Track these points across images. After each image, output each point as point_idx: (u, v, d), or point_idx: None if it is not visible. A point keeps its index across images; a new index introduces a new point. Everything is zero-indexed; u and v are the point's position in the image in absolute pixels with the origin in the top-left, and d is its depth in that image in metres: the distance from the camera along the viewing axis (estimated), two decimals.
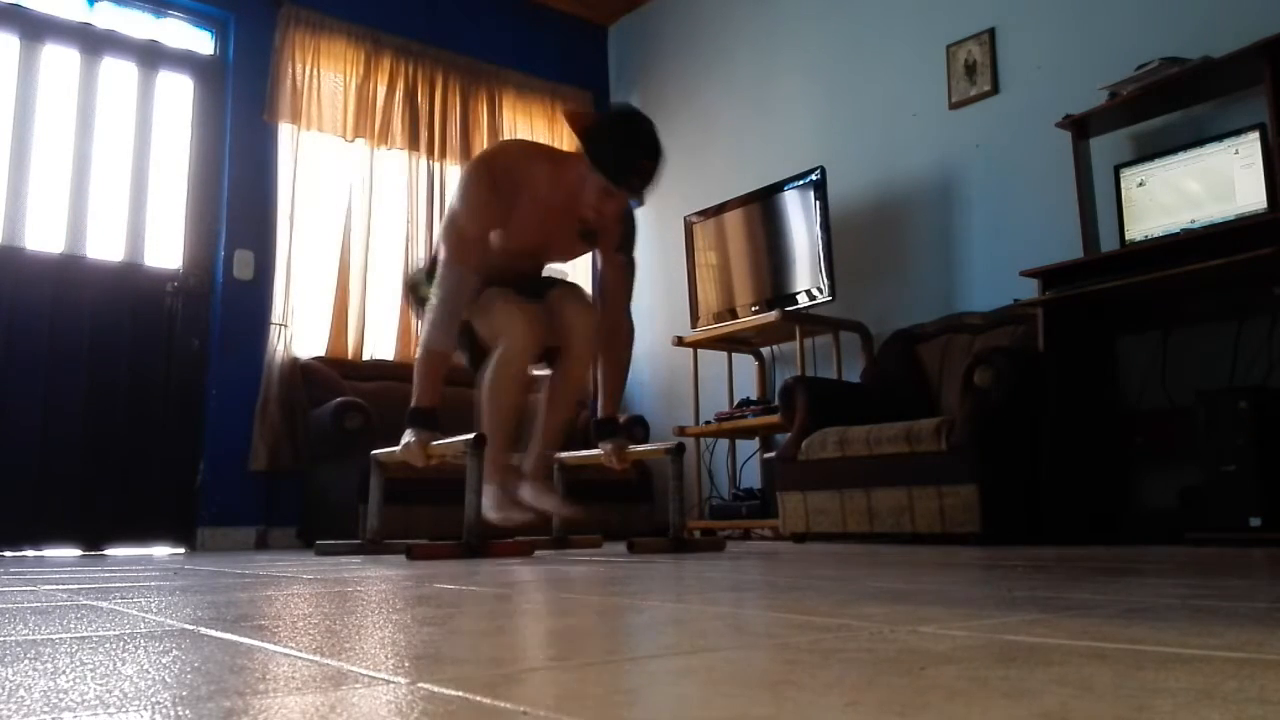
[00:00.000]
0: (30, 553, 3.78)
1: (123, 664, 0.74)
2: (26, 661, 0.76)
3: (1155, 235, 3.21)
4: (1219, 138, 3.12)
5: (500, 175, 2.67)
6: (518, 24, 5.56)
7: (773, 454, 4.00)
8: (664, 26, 5.63)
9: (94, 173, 4.20)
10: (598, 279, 2.95)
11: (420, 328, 2.74)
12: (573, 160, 2.67)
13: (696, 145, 5.34)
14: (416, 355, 2.73)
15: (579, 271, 4.78)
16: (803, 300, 4.25)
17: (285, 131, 4.59)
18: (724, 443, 4.83)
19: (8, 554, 3.68)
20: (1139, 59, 3.33)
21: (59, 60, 4.19)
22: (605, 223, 2.78)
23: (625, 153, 2.57)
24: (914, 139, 4.27)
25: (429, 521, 3.86)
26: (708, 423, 4.51)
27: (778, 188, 4.43)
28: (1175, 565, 1.86)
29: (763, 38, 5.03)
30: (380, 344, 4.78)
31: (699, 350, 4.70)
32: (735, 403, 4.54)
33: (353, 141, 4.77)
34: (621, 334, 3.00)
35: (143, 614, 1.16)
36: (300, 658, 0.77)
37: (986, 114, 4.02)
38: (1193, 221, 3.13)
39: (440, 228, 2.83)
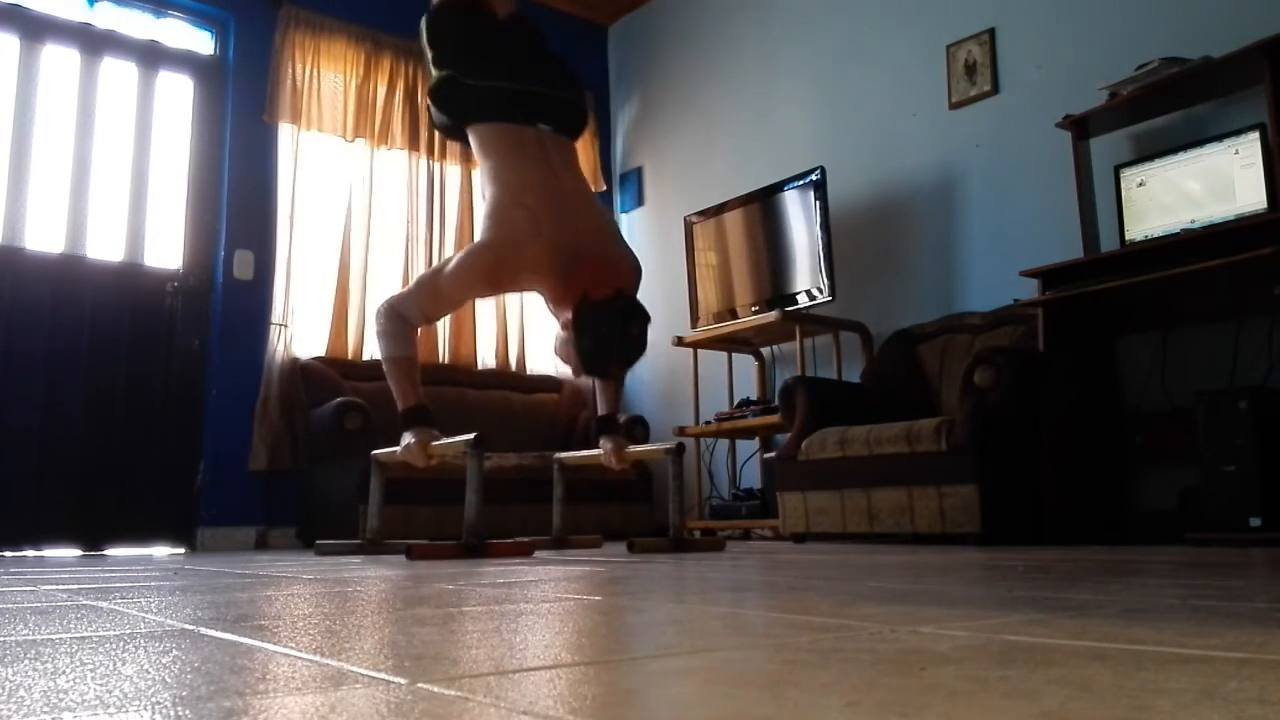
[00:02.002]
0: (30, 553, 3.78)
1: (123, 664, 0.74)
2: (26, 661, 0.76)
3: (1155, 235, 3.21)
4: (1219, 138, 3.12)
5: (505, 277, 2.65)
6: None
7: (773, 454, 4.00)
8: (664, 26, 5.63)
9: (94, 173, 4.19)
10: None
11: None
12: (577, 290, 2.56)
13: (696, 145, 5.34)
14: (385, 369, 2.73)
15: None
16: (803, 300, 4.25)
17: (285, 132, 4.59)
18: (724, 443, 4.83)
19: (8, 554, 3.68)
20: (1139, 59, 3.32)
21: (59, 60, 4.19)
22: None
23: (601, 353, 2.58)
24: (914, 139, 4.27)
25: (429, 521, 3.86)
26: (708, 423, 4.51)
27: (778, 188, 4.43)
28: (1175, 565, 1.86)
29: (763, 38, 5.03)
30: None
31: (699, 350, 4.70)
32: (735, 403, 4.53)
33: (353, 141, 4.77)
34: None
35: (143, 614, 1.16)
36: (300, 658, 0.77)
37: (986, 114, 4.02)
38: (1193, 221, 3.13)
39: (422, 277, 2.81)
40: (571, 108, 2.88)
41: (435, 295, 2.67)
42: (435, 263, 4.44)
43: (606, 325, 2.53)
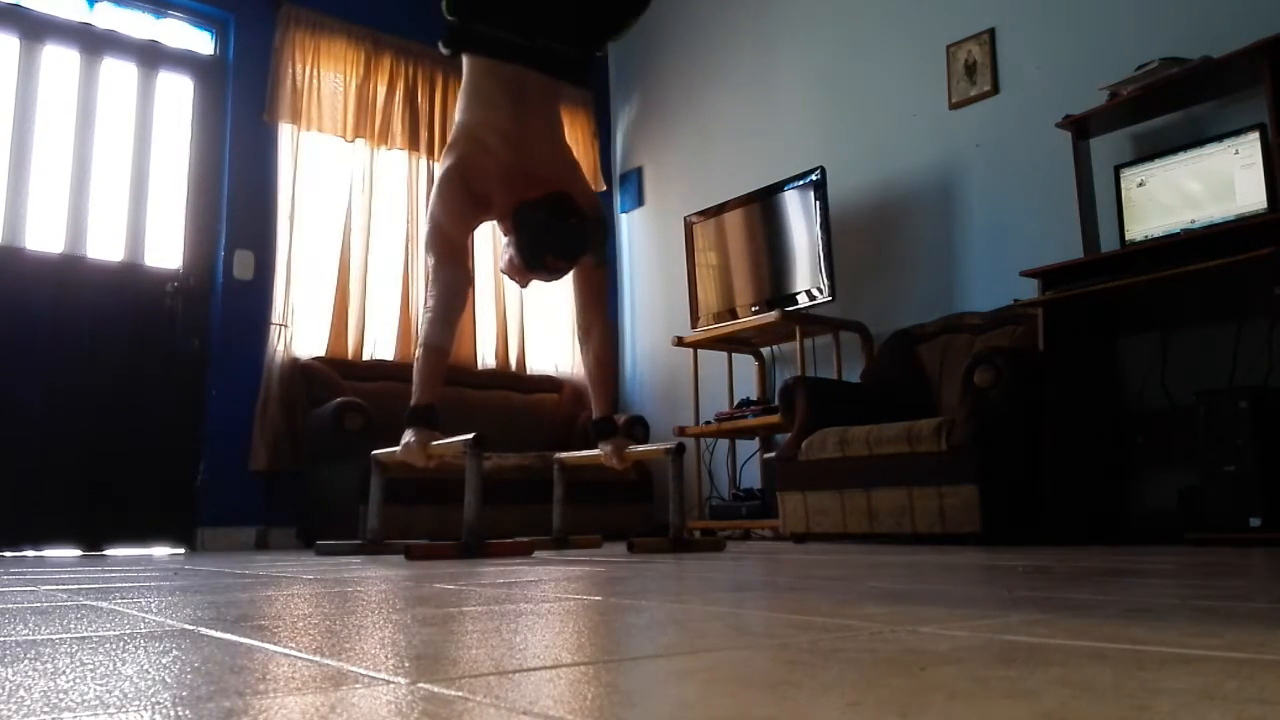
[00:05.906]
0: (30, 553, 3.78)
1: (123, 664, 0.74)
2: (27, 661, 0.76)
3: (1155, 235, 3.21)
4: (1219, 138, 3.12)
5: (478, 185, 2.71)
6: None
7: (773, 454, 4.00)
8: (664, 27, 5.63)
9: (94, 173, 4.20)
10: (573, 282, 2.97)
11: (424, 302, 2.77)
12: (518, 191, 2.68)
13: (696, 145, 5.34)
14: (416, 354, 2.74)
15: None
16: (803, 300, 4.25)
17: (285, 131, 4.59)
18: (724, 443, 4.83)
19: (8, 554, 3.68)
20: (1139, 59, 3.32)
21: (59, 60, 4.19)
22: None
23: (537, 244, 2.65)
24: (914, 139, 4.27)
25: (429, 521, 3.86)
26: (708, 423, 4.51)
27: (778, 188, 4.43)
28: (1175, 565, 1.86)
29: (763, 38, 5.03)
30: (380, 344, 4.77)
31: (699, 350, 4.70)
32: (735, 403, 4.53)
33: (353, 141, 4.77)
34: (597, 334, 3.03)
35: (143, 614, 1.16)
36: (300, 658, 0.77)
37: (986, 114, 4.02)
38: (1193, 222, 3.13)
39: (425, 234, 2.83)
40: (572, 63, 2.85)
41: (443, 238, 2.71)
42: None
43: (543, 213, 2.62)
